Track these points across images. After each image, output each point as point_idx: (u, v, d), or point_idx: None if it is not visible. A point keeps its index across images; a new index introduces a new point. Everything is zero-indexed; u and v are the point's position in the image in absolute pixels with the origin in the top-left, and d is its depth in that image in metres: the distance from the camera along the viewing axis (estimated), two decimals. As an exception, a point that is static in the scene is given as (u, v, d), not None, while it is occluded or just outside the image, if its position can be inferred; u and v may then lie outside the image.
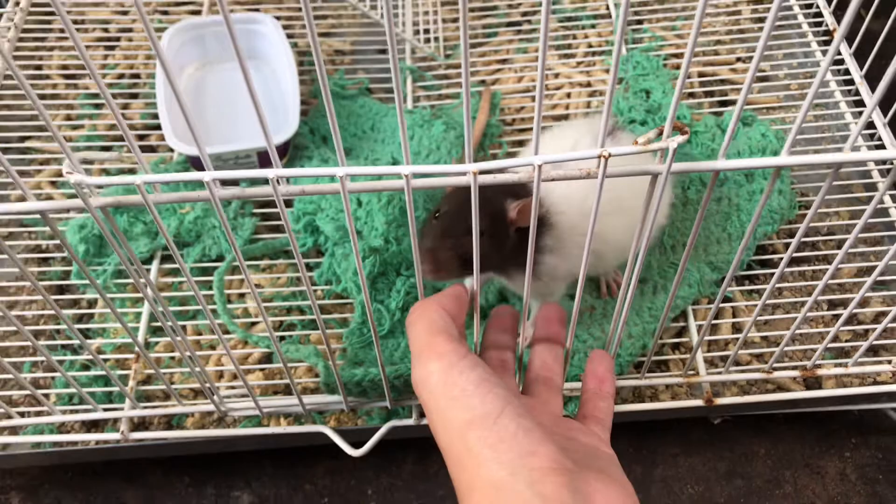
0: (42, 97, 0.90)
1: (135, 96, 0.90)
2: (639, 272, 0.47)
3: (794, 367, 0.64)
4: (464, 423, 0.37)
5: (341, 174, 0.38)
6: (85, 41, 0.95)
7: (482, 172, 0.40)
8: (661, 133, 0.42)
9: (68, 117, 0.88)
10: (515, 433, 0.36)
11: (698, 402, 0.66)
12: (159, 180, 0.39)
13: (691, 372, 0.66)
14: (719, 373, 0.65)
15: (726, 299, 0.73)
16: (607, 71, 0.90)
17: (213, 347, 0.72)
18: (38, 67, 0.92)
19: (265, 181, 0.39)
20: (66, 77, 0.92)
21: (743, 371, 0.65)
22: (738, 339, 0.71)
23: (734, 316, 0.73)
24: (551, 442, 0.36)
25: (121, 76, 0.92)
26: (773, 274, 0.74)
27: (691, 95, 0.89)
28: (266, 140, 0.39)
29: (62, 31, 0.96)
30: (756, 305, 0.72)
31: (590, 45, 0.94)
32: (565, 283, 0.63)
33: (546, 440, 0.36)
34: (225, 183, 0.42)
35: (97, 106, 0.89)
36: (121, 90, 0.90)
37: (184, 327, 0.73)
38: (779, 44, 0.94)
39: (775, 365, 0.62)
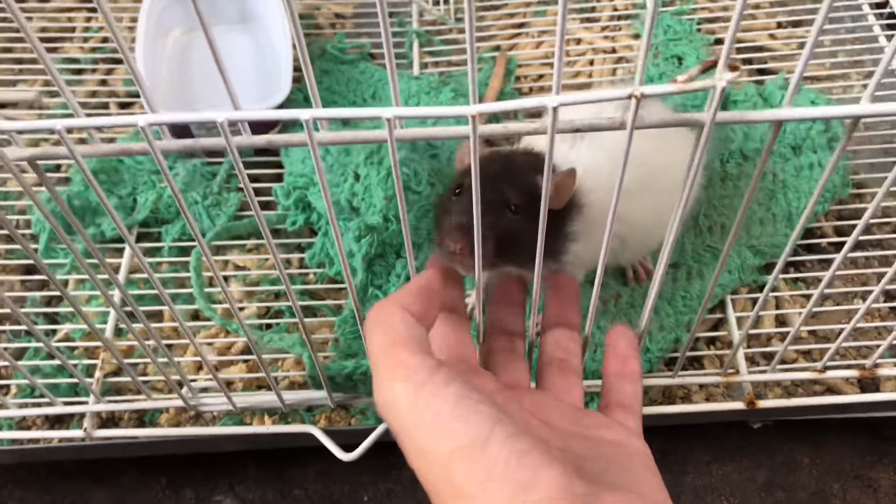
0: (20, 61, 0.83)
1: (118, 61, 0.83)
2: (671, 250, 0.39)
3: (850, 367, 0.56)
4: (445, 455, 0.30)
5: (306, 117, 0.31)
6: (67, 3, 0.88)
7: (484, 118, 0.32)
8: (706, 69, 0.34)
9: (46, 83, 0.81)
10: (507, 461, 0.29)
11: (738, 405, 0.58)
12: (82, 125, 0.32)
13: (731, 371, 0.58)
14: (763, 371, 0.57)
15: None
16: (634, 36, 0.81)
17: (193, 334, 0.65)
18: (16, 30, 0.85)
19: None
20: (46, 41, 0.85)
21: (791, 370, 0.57)
22: (781, 333, 0.63)
23: (777, 307, 0.64)
24: (555, 463, 0.29)
25: (104, 40, 0.85)
26: (820, 261, 0.66)
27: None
28: (232, 101, 0.32)
29: (43, -8, 0.89)
30: (801, 295, 0.64)
31: (615, 9, 0.85)
32: (585, 271, 0.55)
33: (548, 462, 0.29)
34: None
35: (77, 72, 0.82)
36: (104, 55, 0.83)
37: (160, 312, 0.66)
38: (822, 6, 0.85)
39: (828, 364, 0.54)
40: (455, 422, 0.30)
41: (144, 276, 0.67)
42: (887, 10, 0.80)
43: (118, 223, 0.36)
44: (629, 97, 0.32)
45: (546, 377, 0.41)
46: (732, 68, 0.33)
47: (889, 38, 0.79)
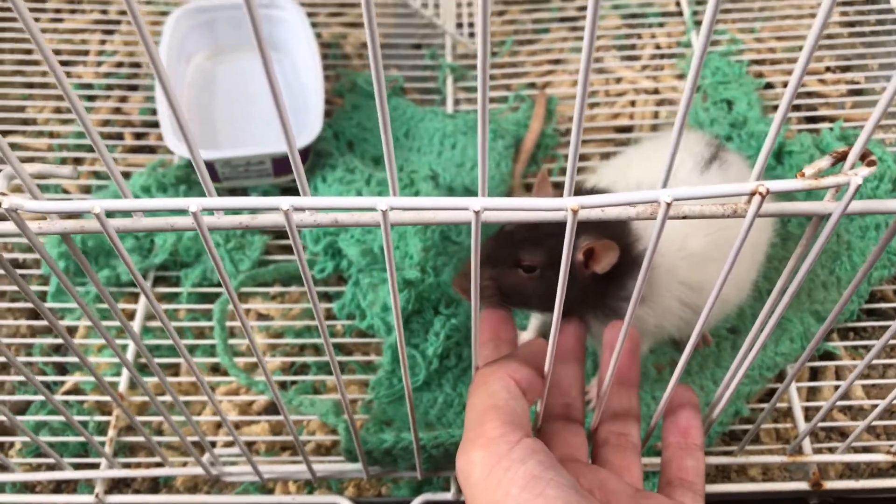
0: (30, 86, 0.79)
1: (134, 88, 0.79)
2: (779, 316, 0.36)
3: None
4: None
5: (384, 207, 0.27)
6: (81, 24, 0.84)
7: (584, 208, 0.28)
8: (836, 161, 0.31)
9: (58, 110, 0.77)
10: None
11: (802, 486, 0.54)
12: (125, 208, 0.28)
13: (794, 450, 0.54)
14: (832, 451, 0.53)
15: (829, 356, 0.61)
16: (679, 77, 0.78)
17: (212, 388, 0.60)
18: (28, 52, 0.81)
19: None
20: (59, 64, 0.81)
21: (860, 452, 0.53)
22: (843, 405, 0.59)
23: (837, 377, 0.60)
24: None
25: (119, 65, 0.80)
26: (883, 327, 0.63)
27: (777, 109, 0.76)
28: (290, 150, 0.28)
29: (57, 10, 0.84)
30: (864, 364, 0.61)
31: (657, 47, 0.82)
32: (652, 341, 0.51)
33: None
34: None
35: (91, 98, 0.78)
36: (119, 80, 0.79)
37: (177, 364, 0.61)
38: (873, 52, 0.81)
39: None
40: None
41: (160, 324, 0.63)
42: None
43: (133, 271, 0.31)
44: (752, 194, 0.29)
45: (601, 454, 0.38)
46: (869, 162, 0.30)
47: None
